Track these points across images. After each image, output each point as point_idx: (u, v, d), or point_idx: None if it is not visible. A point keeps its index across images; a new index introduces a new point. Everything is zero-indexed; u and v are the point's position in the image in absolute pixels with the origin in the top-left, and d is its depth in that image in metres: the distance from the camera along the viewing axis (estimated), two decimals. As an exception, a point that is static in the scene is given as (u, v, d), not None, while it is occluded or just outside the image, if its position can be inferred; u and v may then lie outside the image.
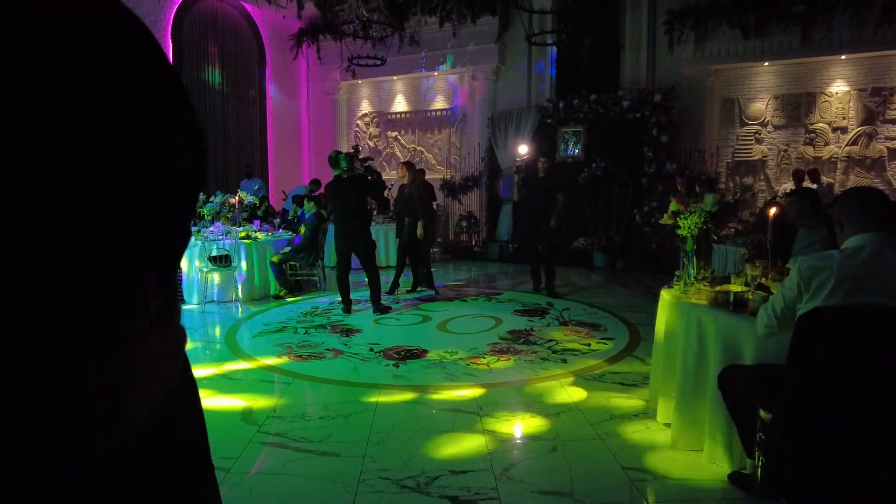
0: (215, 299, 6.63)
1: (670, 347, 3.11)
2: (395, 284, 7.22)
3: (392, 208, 7.73)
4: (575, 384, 3.85)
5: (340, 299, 6.03)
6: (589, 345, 4.82)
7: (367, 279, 6.00)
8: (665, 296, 3.24)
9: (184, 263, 6.63)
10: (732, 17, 9.85)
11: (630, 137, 9.90)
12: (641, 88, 10.37)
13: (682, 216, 2.89)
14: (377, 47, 11.55)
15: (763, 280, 2.83)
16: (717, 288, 2.87)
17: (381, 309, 5.97)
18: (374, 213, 9.82)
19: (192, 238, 6.67)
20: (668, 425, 3.10)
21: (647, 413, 3.39)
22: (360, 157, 6.28)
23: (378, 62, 11.50)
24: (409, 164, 7.04)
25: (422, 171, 7.21)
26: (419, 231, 6.75)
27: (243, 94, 13.90)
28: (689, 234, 2.86)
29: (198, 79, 12.68)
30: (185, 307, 6.44)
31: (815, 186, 8.93)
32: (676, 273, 3.28)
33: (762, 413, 2.20)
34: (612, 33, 11.49)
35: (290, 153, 15.17)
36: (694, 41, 10.30)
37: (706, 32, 10.21)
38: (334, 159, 5.74)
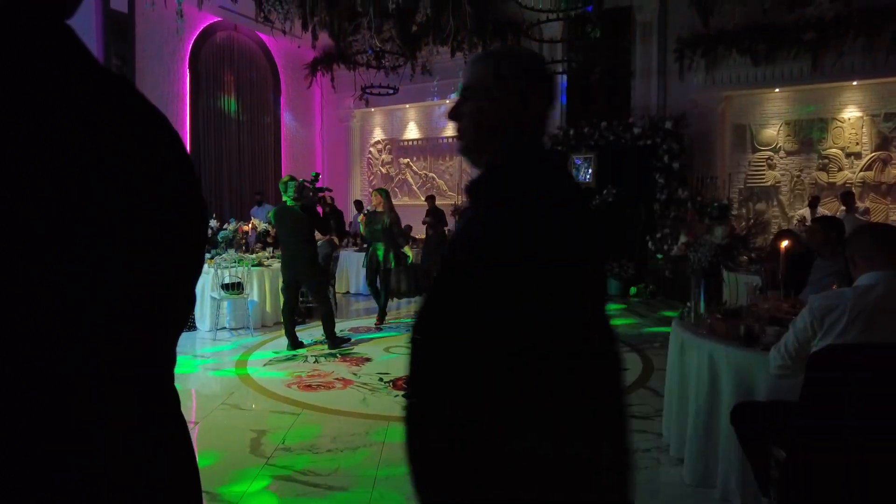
0: (227, 326, 6.66)
1: (683, 381, 3.06)
2: (384, 313, 6.91)
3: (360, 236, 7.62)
4: (586, 416, 3.80)
5: (286, 333, 5.65)
6: (601, 375, 4.75)
7: (320, 313, 5.77)
8: (676, 328, 3.21)
9: (198, 290, 6.68)
10: (742, 45, 9.91)
11: (641, 164, 9.90)
12: (652, 115, 10.41)
13: (692, 248, 2.88)
14: (390, 76, 11.75)
15: (776, 313, 2.80)
16: (729, 321, 2.84)
17: (336, 342, 5.70)
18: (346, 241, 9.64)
19: (206, 265, 6.76)
20: (682, 460, 3.04)
21: (661, 447, 3.32)
22: (320, 185, 6.09)
23: (391, 91, 11.68)
24: (383, 191, 6.76)
25: (389, 196, 6.80)
26: (408, 253, 6.81)
27: (258, 122, 14.15)
28: (699, 267, 2.84)
29: (214, 107, 12.94)
30: (196, 334, 6.48)
31: (840, 213, 8.81)
32: (687, 305, 3.25)
33: (777, 451, 2.16)
34: (622, 61, 11.60)
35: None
36: (704, 68, 10.35)
37: (716, 59, 10.26)
38: (283, 185, 5.53)
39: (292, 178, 5.53)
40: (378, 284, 6.76)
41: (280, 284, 6.86)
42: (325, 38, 11.78)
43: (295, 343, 5.60)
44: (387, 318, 6.96)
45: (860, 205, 9.07)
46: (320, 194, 5.97)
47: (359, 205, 13.23)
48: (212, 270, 6.64)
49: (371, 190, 15.07)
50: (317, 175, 6.03)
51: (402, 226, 7.12)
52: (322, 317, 5.68)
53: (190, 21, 11.84)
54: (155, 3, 8.41)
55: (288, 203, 5.46)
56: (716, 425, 2.74)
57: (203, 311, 6.67)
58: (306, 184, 5.65)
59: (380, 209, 6.56)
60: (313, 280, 5.67)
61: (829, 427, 1.76)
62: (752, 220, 9.15)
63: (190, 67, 12.38)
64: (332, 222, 9.33)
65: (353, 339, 6.02)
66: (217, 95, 13.02)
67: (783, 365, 2.03)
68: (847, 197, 8.73)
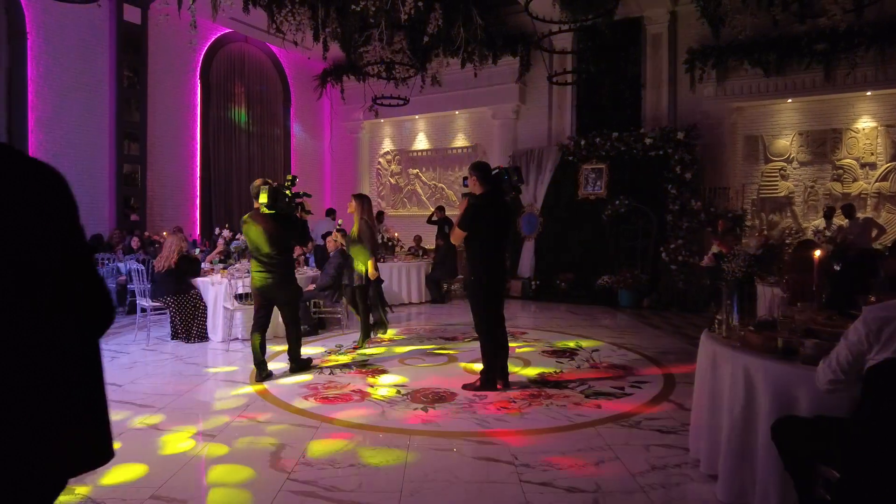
0: (239, 337, 6.60)
1: (714, 395, 2.98)
2: (369, 330, 6.38)
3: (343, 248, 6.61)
4: (612, 431, 3.71)
5: (255, 362, 4.99)
6: (622, 388, 4.67)
7: (287, 333, 5.13)
8: (706, 341, 3.13)
9: (210, 302, 6.64)
10: (753, 56, 9.88)
11: (653, 175, 9.86)
12: (664, 126, 10.37)
13: (724, 259, 2.81)
14: (400, 87, 11.77)
15: (813, 325, 2.72)
16: (764, 333, 2.76)
17: (300, 365, 5.17)
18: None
19: (219, 276, 6.72)
20: (713, 477, 2.96)
21: (689, 462, 3.24)
22: (297, 191, 5.15)
23: (401, 102, 11.69)
24: (358, 197, 6.11)
25: (368, 203, 6.12)
26: (371, 271, 5.92)
27: (268, 133, 14.19)
28: (732, 279, 2.78)
29: (224, 118, 12.98)
30: (208, 345, 6.43)
31: (846, 223, 8.77)
32: (717, 317, 3.18)
33: (827, 470, 2.08)
34: (633, 72, 11.59)
35: (312, 191, 15.31)
36: (715, 79, 10.33)
37: (727, 70, 10.24)
38: (255, 190, 4.78)
39: (266, 182, 4.79)
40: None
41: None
42: (335, 50, 11.82)
43: (264, 373, 4.92)
44: (377, 335, 6.54)
45: (860, 215, 9.01)
46: (297, 200, 5.18)
47: (331, 212, 13.10)
48: (224, 281, 6.61)
49: (380, 201, 15.09)
50: (293, 178, 5.14)
51: (378, 236, 6.57)
52: (292, 339, 5.08)
53: (201, 32, 11.90)
54: (169, 15, 8.45)
55: (262, 211, 4.78)
56: (753, 441, 2.66)
57: (216, 322, 6.63)
58: (282, 188, 4.89)
59: (355, 216, 5.98)
60: (290, 298, 5.05)
61: (889, 445, 1.69)
62: (787, 231, 9.04)
63: (201, 79, 12.44)
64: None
65: (313, 361, 5.51)
66: (227, 107, 13.06)
67: (835, 380, 1.96)
68: (848, 209, 8.77)
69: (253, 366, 5.03)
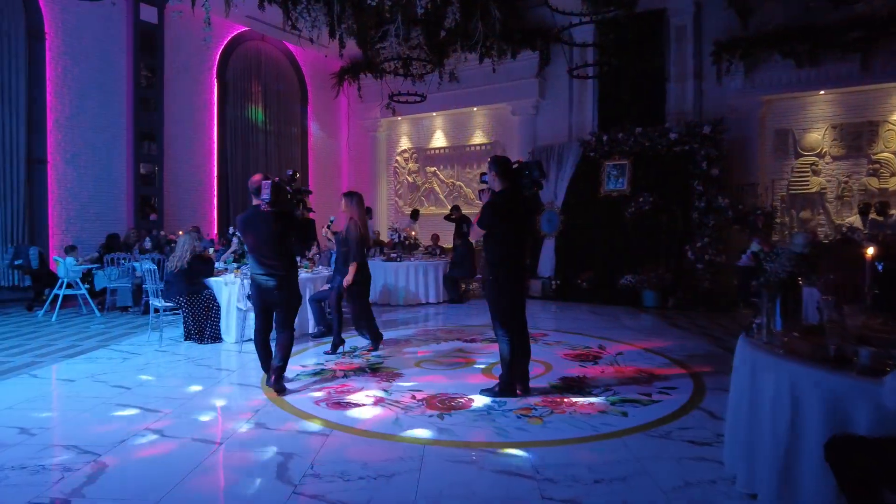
0: (253, 338, 6.46)
1: (754, 406, 2.73)
2: (339, 341, 5.95)
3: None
4: (640, 442, 3.48)
5: (262, 367, 4.74)
6: (649, 395, 4.43)
7: (276, 342, 4.59)
8: (744, 346, 2.88)
9: (223, 302, 6.53)
10: (784, 47, 9.51)
11: (677, 171, 9.54)
12: (689, 121, 10.04)
13: (766, 258, 2.56)
14: (417, 84, 11.59)
15: (867, 331, 2.47)
16: (811, 340, 2.51)
17: (280, 387, 4.52)
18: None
19: (232, 276, 6.60)
20: (752, 496, 2.71)
21: (725, 478, 2.99)
22: (298, 186, 4.76)
23: (418, 99, 11.51)
24: (347, 195, 5.79)
25: (360, 201, 5.76)
26: (347, 277, 5.61)
27: (285, 132, 14.12)
28: (775, 279, 2.53)
29: (241, 117, 12.93)
30: (221, 346, 6.31)
31: (881, 219, 8.37)
32: (756, 321, 2.92)
33: (893, 496, 1.83)
34: (656, 65, 11.26)
35: (329, 190, 15.24)
36: (743, 71, 9.97)
37: (756, 62, 9.87)
38: (255, 186, 4.47)
39: (266, 178, 4.47)
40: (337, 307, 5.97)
41: (309, 295, 6.57)
42: (351, 48, 11.68)
43: (273, 376, 4.55)
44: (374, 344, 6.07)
45: (894, 212, 8.59)
46: (299, 197, 4.77)
47: (368, 211, 13.01)
48: (238, 281, 6.48)
49: (397, 199, 14.94)
50: (295, 173, 4.74)
51: (370, 239, 6.10)
52: (283, 346, 4.55)
53: (217, 31, 11.84)
54: (182, 12, 8.37)
55: (262, 207, 4.42)
56: (800, 460, 2.41)
57: (228, 323, 6.51)
58: (283, 185, 4.52)
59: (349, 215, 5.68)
60: (290, 302, 4.60)
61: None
62: (845, 229, 8.67)
63: (218, 78, 12.40)
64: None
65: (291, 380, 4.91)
66: (244, 105, 13.01)
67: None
68: (882, 206, 8.38)
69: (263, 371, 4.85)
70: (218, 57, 12.33)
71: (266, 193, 4.32)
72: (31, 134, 9.57)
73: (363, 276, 5.80)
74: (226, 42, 12.46)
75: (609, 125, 10.81)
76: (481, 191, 4.46)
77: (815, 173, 9.84)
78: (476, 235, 4.41)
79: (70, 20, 9.88)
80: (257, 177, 4.52)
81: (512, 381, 4.31)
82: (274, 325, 4.64)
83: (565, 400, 4.28)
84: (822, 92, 9.69)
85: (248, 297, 6.06)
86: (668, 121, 10.67)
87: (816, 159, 9.85)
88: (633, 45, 11.00)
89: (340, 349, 5.94)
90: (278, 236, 4.46)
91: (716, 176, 9.34)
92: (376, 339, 6.06)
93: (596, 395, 4.40)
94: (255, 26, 12.41)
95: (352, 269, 5.64)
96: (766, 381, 2.61)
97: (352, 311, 6.06)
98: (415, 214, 12.70)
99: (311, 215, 5.06)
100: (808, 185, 9.90)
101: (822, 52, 9.20)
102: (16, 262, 8.82)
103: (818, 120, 9.90)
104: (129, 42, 10.67)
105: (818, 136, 9.84)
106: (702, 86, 10.73)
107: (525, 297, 4.50)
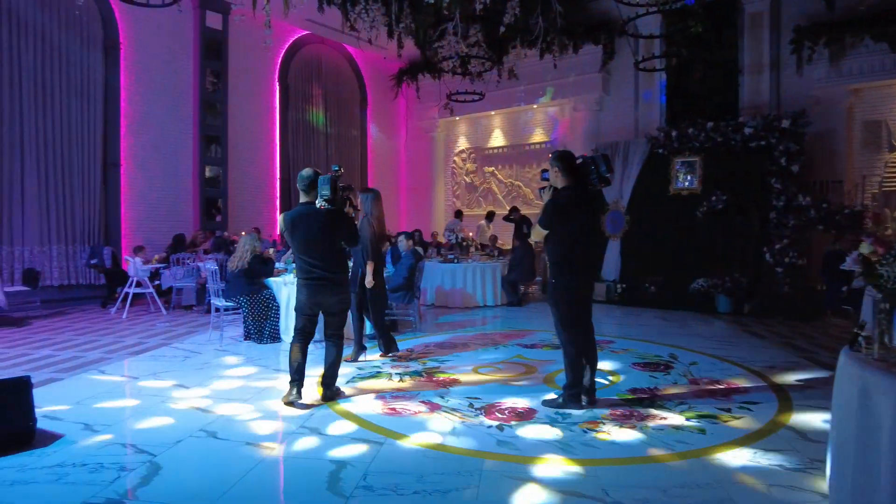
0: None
1: (864, 434, 2.36)
2: (361, 347, 5.66)
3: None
4: (721, 464, 3.14)
5: (290, 380, 4.25)
6: (729, 409, 4.04)
7: (326, 350, 4.34)
8: (850, 363, 2.51)
9: (282, 302, 6.54)
10: (876, 30, 8.72)
11: (753, 167, 8.91)
12: (765, 114, 9.38)
13: (882, 263, 2.21)
14: (475, 83, 11.41)
15: None
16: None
17: (333, 392, 4.35)
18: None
19: (291, 276, 6.60)
20: (862, 535, 2.34)
21: (826, 511, 2.63)
22: (344, 184, 4.39)
23: (476, 97, 11.33)
24: (364, 191, 5.57)
25: (378, 198, 5.48)
26: (368, 278, 5.36)
27: (346, 135, 14.25)
28: (893, 286, 2.17)
29: (303, 120, 13.13)
30: (280, 346, 6.32)
31: None
32: (862, 334, 2.55)
33: None
34: (729, 56, 10.62)
35: (387, 191, 15.27)
36: (828, 59, 9.24)
37: (843, 48, 9.12)
38: (311, 181, 4.15)
39: (318, 173, 4.19)
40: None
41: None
42: (409, 49, 11.64)
43: (297, 392, 4.21)
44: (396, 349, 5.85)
45: None
46: (345, 194, 4.43)
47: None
48: (296, 280, 6.47)
49: (455, 200, 14.79)
50: (339, 169, 4.29)
51: (386, 239, 5.75)
52: (333, 358, 4.30)
53: (279, 35, 12.07)
54: (244, 16, 8.51)
55: (319, 206, 4.07)
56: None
57: (287, 324, 6.51)
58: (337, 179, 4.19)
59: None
60: (342, 307, 4.32)
61: None
62: None
63: (279, 81, 12.64)
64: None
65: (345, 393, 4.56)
66: (305, 108, 13.21)
67: None
68: None
69: (320, 373, 4.70)
70: (279, 61, 12.57)
71: (326, 189, 4.01)
72: (107, 139, 10.01)
73: (381, 278, 5.55)
74: (287, 46, 12.68)
75: (678, 120, 10.26)
76: (542, 188, 4.20)
77: (912, 168, 8.99)
78: (538, 237, 4.15)
79: (142, 30, 10.27)
80: (308, 171, 4.24)
81: (577, 391, 4.04)
82: (324, 331, 4.38)
83: (635, 413, 3.96)
84: (920, 79, 8.85)
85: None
86: (742, 114, 10.03)
87: (913, 153, 8.99)
88: (703, 35, 10.41)
89: (361, 355, 5.65)
90: (331, 236, 4.19)
91: (796, 173, 8.65)
92: (388, 346, 5.77)
93: (669, 409, 4.05)
94: (314, 29, 12.57)
95: (369, 268, 5.35)
96: (883, 406, 2.24)
97: (372, 314, 5.73)
98: (490, 216, 12.62)
99: (351, 212, 4.67)
100: (904, 181, 9.05)
101: (920, 35, 8.38)
102: (91, 262, 9.23)
103: (916, 110, 9.05)
104: (196, 48, 11.01)
105: (916, 127, 8.99)
106: (779, 76, 10.02)
107: (591, 301, 4.21)
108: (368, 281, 5.41)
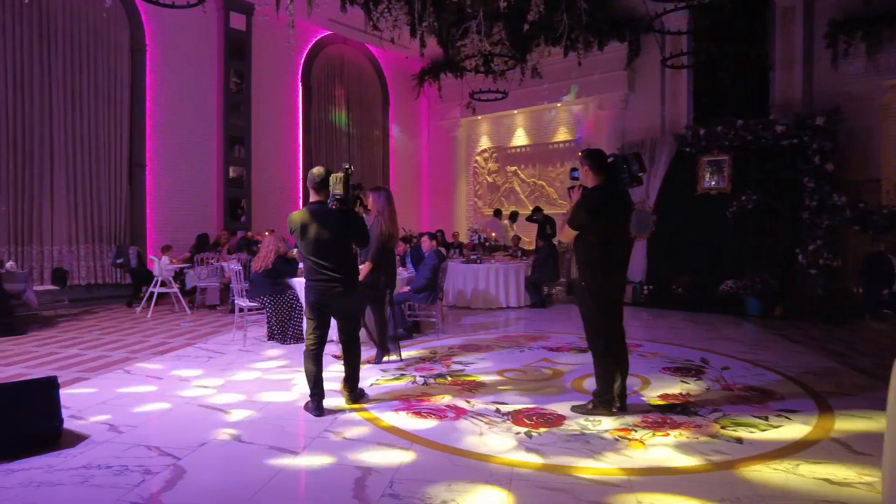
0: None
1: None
2: (384, 349, 5.62)
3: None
4: (762, 477, 3.00)
5: (310, 393, 4.10)
6: (766, 417, 3.89)
7: (344, 354, 4.28)
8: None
9: (304, 302, 6.51)
10: (916, 24, 8.40)
11: (785, 166, 8.65)
12: (797, 111, 9.11)
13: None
14: (498, 81, 11.29)
15: None
16: None
17: (356, 396, 4.29)
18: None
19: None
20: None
21: (876, 529, 2.48)
22: (354, 183, 4.27)
23: (500, 96, 11.22)
24: (375, 190, 5.50)
25: (389, 197, 5.41)
26: (361, 274, 5.09)
27: (368, 135, 14.25)
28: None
29: (325, 120, 13.15)
30: (303, 346, 6.27)
31: None
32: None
33: None
34: (758, 52, 10.34)
35: (409, 192, 15.25)
36: (865, 54, 8.94)
37: (881, 42, 8.82)
38: (322, 179, 4.01)
39: (329, 171, 4.07)
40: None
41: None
42: (432, 48, 11.57)
43: (320, 401, 4.07)
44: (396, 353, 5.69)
45: None
46: (355, 193, 4.35)
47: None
48: (305, 282, 6.44)
49: (476, 200, 14.69)
50: (349, 167, 4.06)
51: (396, 238, 5.61)
52: (354, 354, 4.26)
53: (302, 35, 12.09)
54: (267, 16, 8.52)
55: (331, 205, 3.95)
56: None
57: (310, 324, 6.48)
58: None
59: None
60: (355, 309, 4.28)
61: None
62: None
63: (302, 82, 12.67)
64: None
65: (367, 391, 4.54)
66: (328, 109, 13.23)
67: None
68: None
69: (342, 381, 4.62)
70: (302, 61, 12.60)
71: (339, 188, 3.87)
72: (133, 140, 10.12)
73: (378, 280, 5.41)
74: (309, 46, 12.70)
75: (706, 118, 10.03)
76: (571, 188, 4.09)
77: (954, 167, 8.64)
78: (566, 237, 4.04)
79: (167, 32, 10.37)
80: (319, 169, 4.07)
81: (608, 397, 3.92)
82: (339, 335, 4.31)
83: (668, 420, 3.83)
84: (963, 73, 8.51)
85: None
86: (773, 112, 9.76)
87: (955, 151, 8.64)
88: (732, 31, 10.16)
89: (385, 358, 5.59)
90: (343, 236, 4.05)
91: (830, 171, 8.38)
92: (381, 351, 5.63)
93: (703, 417, 3.92)
94: (337, 29, 12.57)
95: (364, 268, 5.21)
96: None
97: (374, 315, 5.64)
98: (514, 216, 12.57)
99: (361, 212, 4.60)
100: (944, 180, 8.71)
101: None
102: (117, 261, 9.34)
103: (958, 106, 8.70)
104: (220, 49, 11.07)
105: (957, 124, 8.64)
106: (812, 72, 9.72)
107: (622, 304, 4.09)
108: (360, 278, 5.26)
